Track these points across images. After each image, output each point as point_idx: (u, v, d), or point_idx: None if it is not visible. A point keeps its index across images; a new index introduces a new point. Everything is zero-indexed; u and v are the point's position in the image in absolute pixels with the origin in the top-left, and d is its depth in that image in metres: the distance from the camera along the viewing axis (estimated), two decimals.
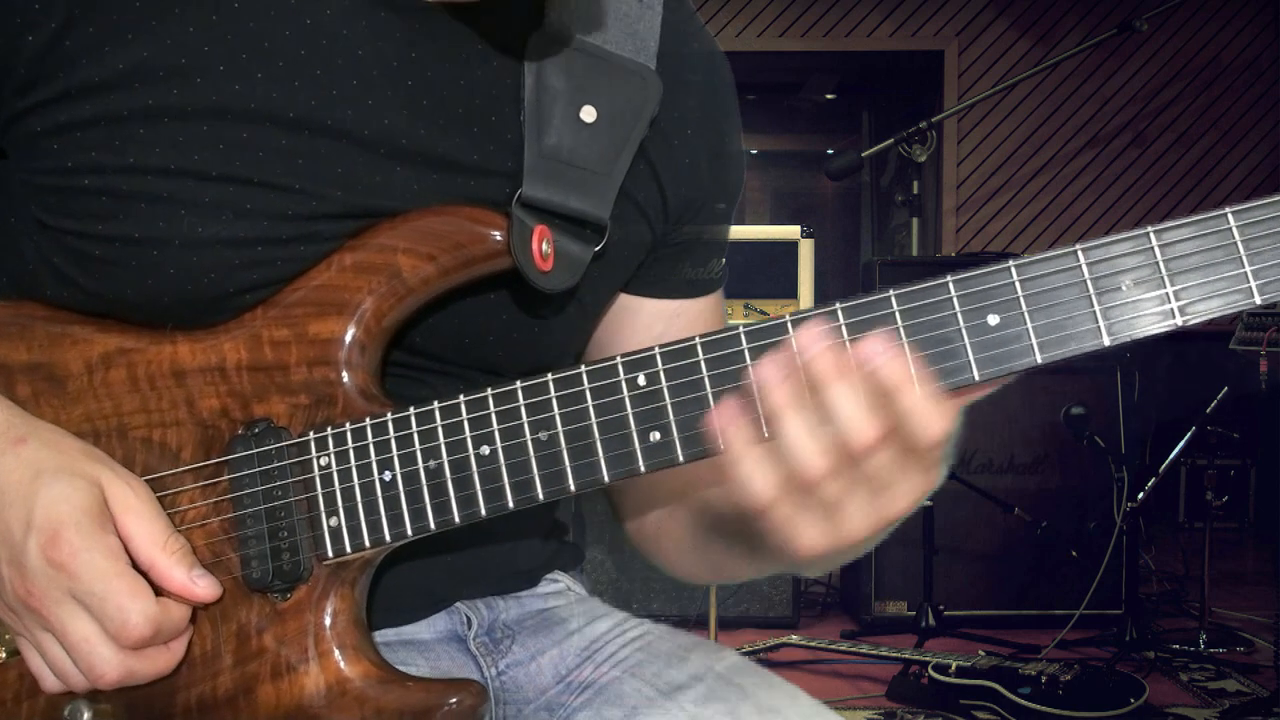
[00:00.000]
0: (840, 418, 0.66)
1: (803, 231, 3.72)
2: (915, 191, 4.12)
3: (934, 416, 0.66)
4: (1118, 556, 3.41)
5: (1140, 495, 3.35)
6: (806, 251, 3.71)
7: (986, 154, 6.34)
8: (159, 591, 0.76)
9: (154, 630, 0.74)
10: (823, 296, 4.81)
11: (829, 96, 7.57)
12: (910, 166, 3.88)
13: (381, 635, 0.94)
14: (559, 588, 1.07)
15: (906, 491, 0.70)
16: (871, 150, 3.70)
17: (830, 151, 7.57)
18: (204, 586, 0.77)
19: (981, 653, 3.04)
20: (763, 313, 3.64)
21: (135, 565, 0.76)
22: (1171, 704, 2.97)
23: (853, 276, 7.29)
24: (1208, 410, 3.34)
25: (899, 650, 3.14)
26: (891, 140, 3.71)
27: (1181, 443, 3.37)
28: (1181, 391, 3.59)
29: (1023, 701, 2.78)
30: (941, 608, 3.43)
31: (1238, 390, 3.34)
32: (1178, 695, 3.06)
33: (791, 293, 3.71)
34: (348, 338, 0.80)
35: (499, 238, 0.80)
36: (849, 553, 0.76)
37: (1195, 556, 3.80)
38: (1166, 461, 3.37)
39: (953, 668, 2.92)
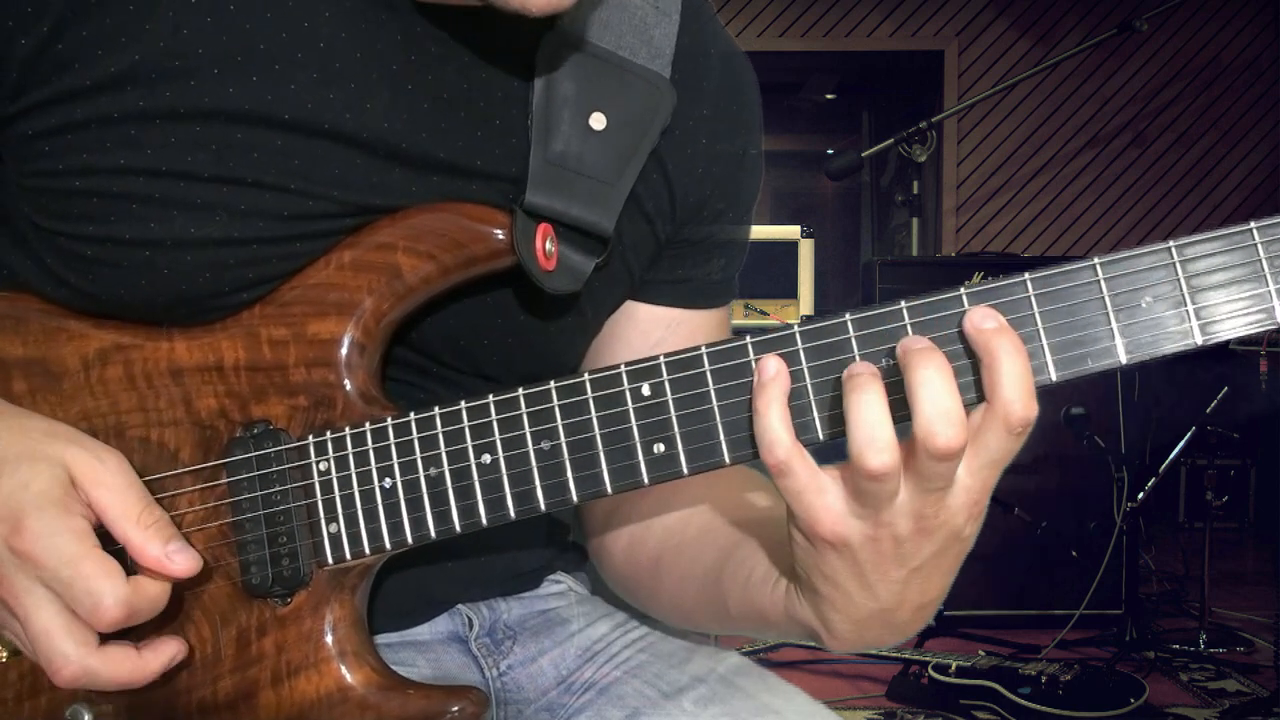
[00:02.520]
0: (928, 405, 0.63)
1: (803, 231, 3.72)
2: (915, 191, 4.12)
3: (1029, 397, 0.63)
4: (1118, 556, 3.41)
5: (1140, 495, 3.35)
6: (806, 251, 3.71)
7: (986, 154, 6.34)
8: (135, 569, 0.74)
9: (127, 612, 0.72)
10: (822, 296, 4.81)
11: (829, 96, 7.58)
12: (910, 166, 3.88)
13: (383, 637, 0.94)
14: (561, 588, 1.07)
15: (955, 520, 0.68)
16: (871, 150, 3.70)
17: (830, 151, 7.58)
18: (180, 562, 0.74)
19: (981, 653, 3.05)
20: (762, 313, 3.64)
21: (113, 541, 0.74)
22: (1171, 704, 2.97)
23: (853, 276, 7.29)
24: (1208, 410, 3.34)
25: (899, 650, 3.13)
26: (891, 140, 3.71)
27: (1181, 443, 3.37)
28: (1182, 391, 3.59)
29: (1023, 701, 2.78)
30: (941, 608, 3.42)
31: (1237, 391, 3.34)
32: (1178, 695, 3.06)
33: (791, 293, 3.71)
34: (347, 338, 0.80)
35: (501, 236, 0.79)
36: (880, 625, 0.75)
37: (1195, 556, 3.80)
38: (1166, 461, 3.37)
39: (953, 668, 2.92)
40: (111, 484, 0.74)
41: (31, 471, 0.73)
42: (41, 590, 0.72)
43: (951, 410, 0.63)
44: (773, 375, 0.67)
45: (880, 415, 0.64)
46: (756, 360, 0.69)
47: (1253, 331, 0.64)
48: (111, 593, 0.71)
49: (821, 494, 0.67)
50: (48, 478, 0.73)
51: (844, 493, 0.67)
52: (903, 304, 0.67)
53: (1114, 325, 0.65)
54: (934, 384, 0.63)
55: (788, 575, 0.78)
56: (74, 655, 0.72)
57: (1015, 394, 0.63)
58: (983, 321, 0.64)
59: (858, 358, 0.68)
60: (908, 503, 0.66)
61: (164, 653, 0.76)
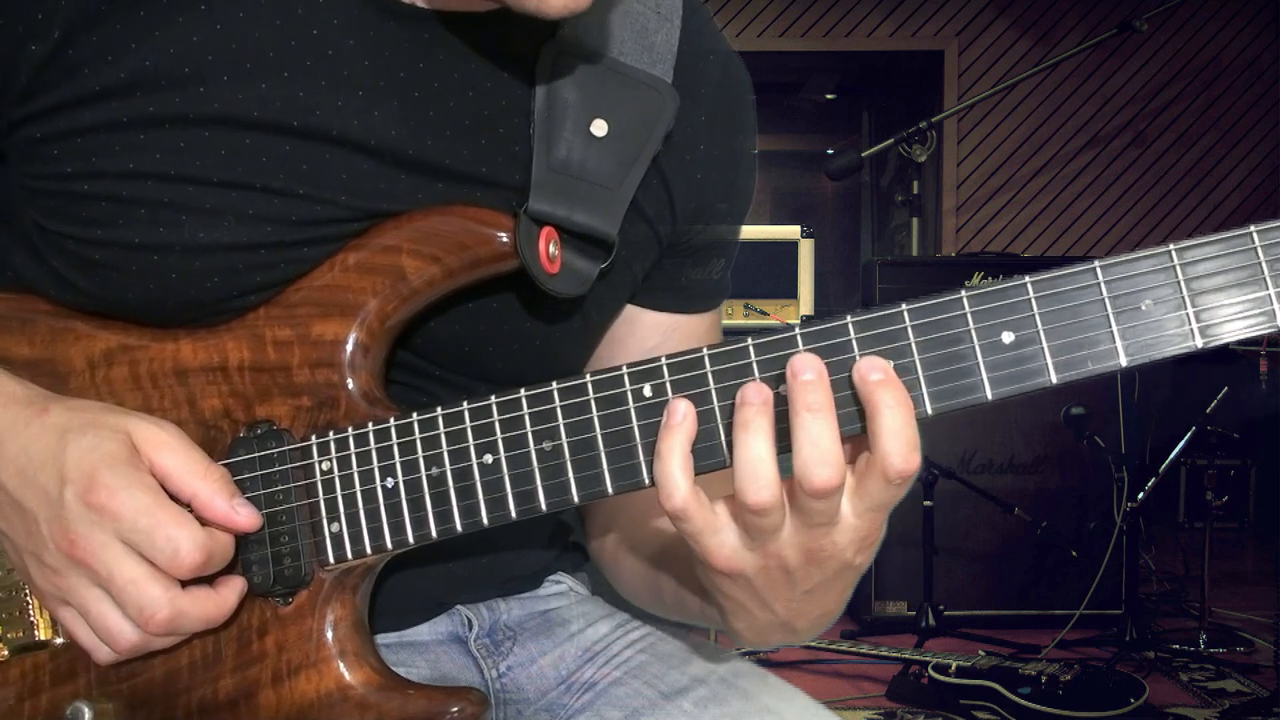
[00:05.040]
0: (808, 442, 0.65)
1: (803, 231, 3.72)
2: (915, 191, 4.12)
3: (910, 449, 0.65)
4: (1118, 556, 3.41)
5: (1140, 495, 3.35)
6: (806, 251, 3.71)
7: (986, 154, 6.34)
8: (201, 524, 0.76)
9: (205, 556, 0.74)
10: (823, 297, 4.80)
11: (829, 96, 7.57)
12: (910, 166, 3.88)
13: (382, 638, 0.95)
14: (561, 589, 1.07)
15: (843, 544, 0.69)
16: (871, 150, 3.70)
17: (830, 151, 7.57)
18: (245, 515, 0.76)
19: (981, 653, 3.04)
20: (762, 313, 3.64)
21: (176, 500, 0.76)
22: (1171, 704, 2.97)
23: (853, 276, 7.29)
24: (1208, 410, 3.35)
25: (899, 650, 3.13)
26: (891, 140, 3.71)
27: (1182, 443, 3.37)
28: (1182, 391, 3.59)
29: (1023, 701, 2.78)
30: (941, 608, 3.43)
31: (1238, 391, 3.34)
32: (1178, 695, 3.06)
33: (791, 293, 3.71)
34: (351, 340, 0.80)
35: (505, 239, 0.79)
36: (779, 630, 0.78)
37: (1195, 556, 3.80)
38: (1166, 461, 3.37)
39: (953, 668, 2.92)
40: (174, 445, 0.76)
41: (97, 436, 0.74)
42: (118, 545, 0.73)
43: (827, 452, 0.65)
44: (680, 420, 0.69)
45: (763, 452, 0.66)
46: (669, 400, 0.70)
47: (1253, 335, 0.64)
48: (190, 538, 0.73)
49: (716, 534, 0.70)
50: (114, 441, 0.75)
51: (736, 528, 0.70)
52: (904, 306, 0.68)
53: (1114, 328, 0.65)
54: (811, 427, 0.65)
55: (697, 591, 0.83)
56: (164, 599, 0.74)
57: (894, 448, 0.65)
58: (869, 373, 0.66)
59: (858, 359, 0.68)
60: (794, 536, 0.69)
61: (235, 587, 0.78)
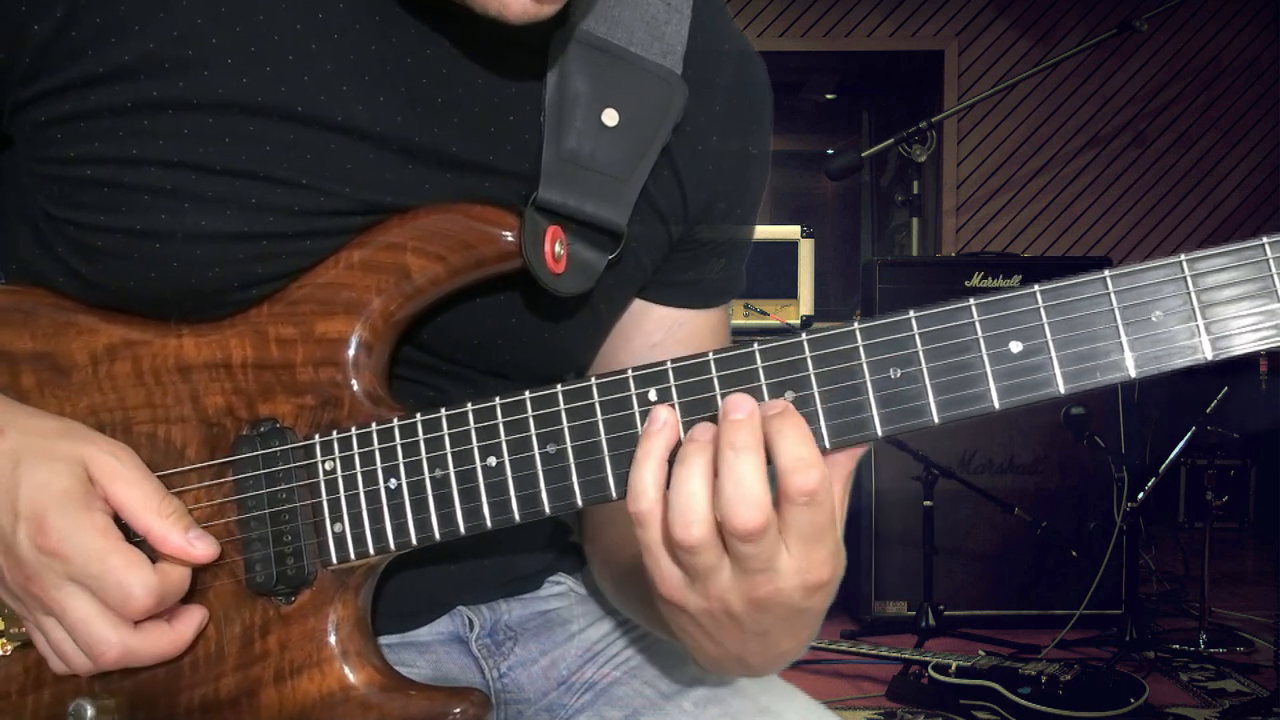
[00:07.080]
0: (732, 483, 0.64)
1: (803, 231, 3.73)
2: (915, 191, 4.12)
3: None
4: (1118, 556, 3.41)
5: (1140, 495, 3.35)
6: (806, 251, 3.72)
7: (986, 154, 6.34)
8: (156, 557, 0.76)
9: (157, 599, 0.74)
10: (822, 297, 4.81)
11: (829, 96, 7.57)
12: (910, 166, 3.88)
13: (384, 638, 0.94)
14: (561, 589, 1.07)
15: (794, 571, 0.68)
16: (871, 150, 3.70)
17: (830, 151, 7.57)
18: (201, 548, 0.76)
19: (981, 653, 3.04)
20: (762, 312, 3.64)
21: (131, 532, 0.76)
22: (1171, 704, 2.97)
23: (853, 276, 7.29)
24: (1207, 410, 3.35)
25: (899, 650, 3.13)
26: (891, 140, 3.72)
27: (1181, 443, 3.37)
28: (1182, 391, 3.59)
29: (1023, 701, 2.78)
30: (941, 608, 3.43)
31: (1237, 391, 3.34)
32: (1178, 695, 3.06)
33: (791, 293, 3.71)
34: (354, 338, 0.80)
35: (510, 238, 0.79)
36: (733, 664, 0.76)
37: (1195, 556, 3.80)
38: (1166, 461, 3.37)
39: (953, 668, 2.93)
40: (129, 478, 0.76)
41: (51, 471, 0.74)
42: (71, 585, 0.74)
43: (750, 492, 0.64)
44: (660, 428, 0.68)
45: (697, 488, 0.65)
46: (651, 407, 0.70)
47: (1264, 348, 0.63)
48: (141, 583, 0.73)
49: (667, 556, 0.69)
50: (67, 477, 0.74)
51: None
52: (911, 314, 0.67)
53: (1123, 339, 0.65)
54: (735, 465, 0.64)
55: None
56: (114, 639, 0.74)
57: (787, 464, 0.64)
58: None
59: (865, 365, 0.68)
60: (733, 581, 0.67)
61: (193, 621, 0.78)
